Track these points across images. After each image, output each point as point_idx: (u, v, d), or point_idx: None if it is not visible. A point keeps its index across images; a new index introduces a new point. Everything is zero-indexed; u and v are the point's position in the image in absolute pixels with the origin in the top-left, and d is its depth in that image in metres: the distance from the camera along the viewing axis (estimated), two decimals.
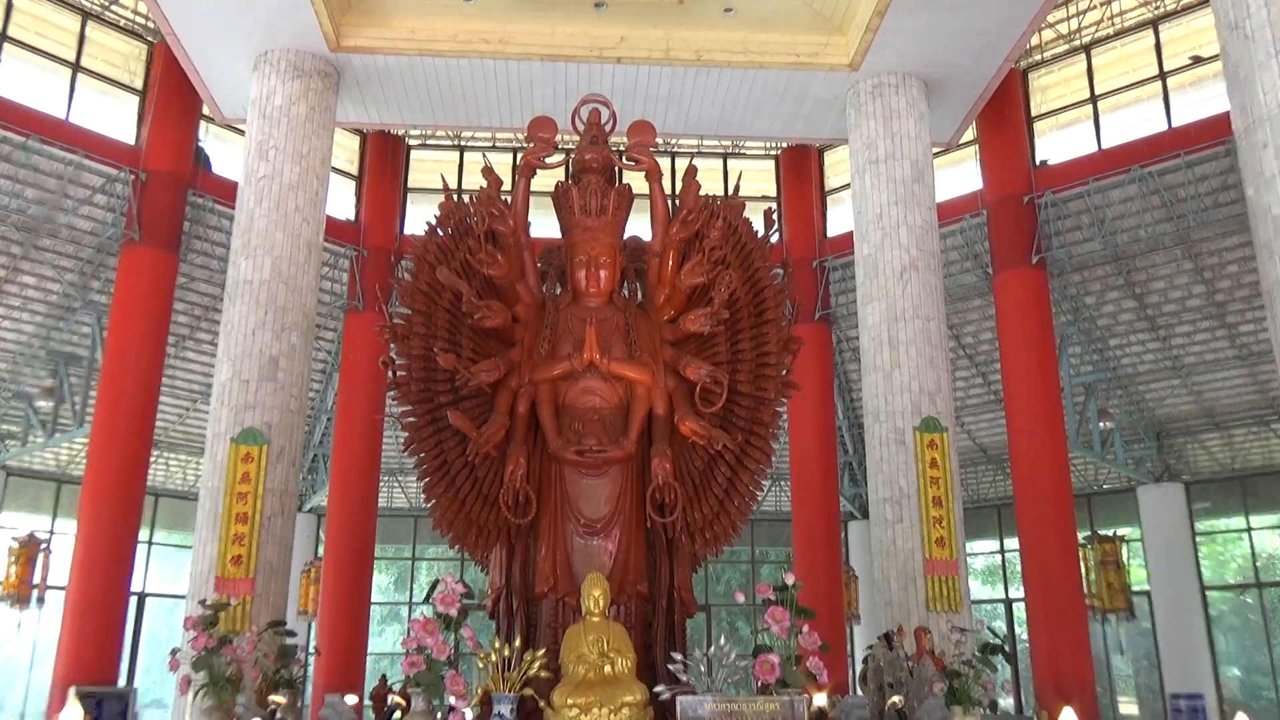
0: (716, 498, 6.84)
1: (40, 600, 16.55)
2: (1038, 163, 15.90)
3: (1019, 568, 16.11)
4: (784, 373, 7.18)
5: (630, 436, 6.79)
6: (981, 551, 23.72)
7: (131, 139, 15.01)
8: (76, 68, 14.83)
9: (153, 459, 16.88)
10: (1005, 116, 15.78)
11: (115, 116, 15.09)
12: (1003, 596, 23.01)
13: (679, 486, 6.61)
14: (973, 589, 21.46)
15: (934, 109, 13.16)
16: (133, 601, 17.54)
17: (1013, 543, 20.23)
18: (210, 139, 16.31)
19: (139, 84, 15.38)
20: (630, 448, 6.75)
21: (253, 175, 11.93)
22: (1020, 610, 20.71)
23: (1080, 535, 16.09)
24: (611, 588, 6.30)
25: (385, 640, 24.86)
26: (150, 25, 15.19)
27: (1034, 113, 16.29)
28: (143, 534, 17.23)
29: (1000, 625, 21.85)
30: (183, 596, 11.49)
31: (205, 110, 15.11)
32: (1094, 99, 15.91)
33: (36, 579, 16.53)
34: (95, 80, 15.00)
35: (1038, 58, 16.34)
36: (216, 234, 15.95)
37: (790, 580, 5.98)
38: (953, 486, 11.25)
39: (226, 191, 14.77)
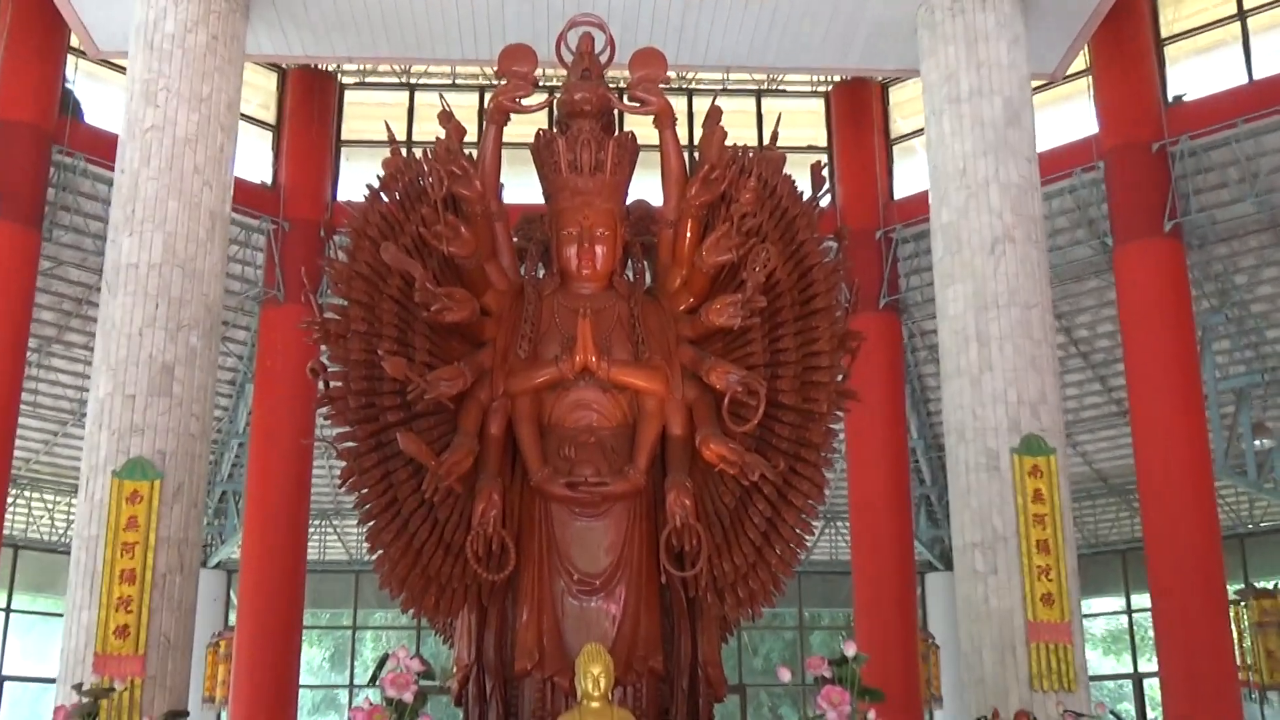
0: (752, 543, 6.82)
1: None
2: (1170, 99, 15.89)
3: (1151, 632, 16.09)
4: (839, 379, 7.16)
5: (638, 465, 6.77)
6: (1102, 612, 23.73)
7: None
8: None
9: (11, 500, 16.95)
10: (1127, 39, 15.77)
11: None
12: (1130, 670, 23.01)
13: (703, 530, 6.59)
14: (1091, 661, 21.42)
15: (1033, 30, 13.16)
16: None
17: (1142, 600, 20.22)
18: (81, 79, 16.37)
19: None
20: (639, 479, 6.73)
21: (137, 126, 11.96)
22: (1153, 688, 20.67)
23: (1231, 589, 16.07)
24: (616, 664, 6.28)
25: None
26: None
27: (1164, 34, 16.28)
28: None
29: (1128, 708, 21.82)
30: (52, 680, 11.50)
31: (74, 41, 15.15)
32: (1243, 14, 15.89)
33: None
34: None
35: None
36: (90, 204, 16.01)
37: (851, 651, 5.96)
38: (1063, 526, 11.23)
39: (103, 148, 14.82)
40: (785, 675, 6.30)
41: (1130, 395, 15.45)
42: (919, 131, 15.87)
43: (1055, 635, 10.86)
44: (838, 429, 7.32)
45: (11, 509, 18.13)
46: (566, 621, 6.66)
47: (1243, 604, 16.86)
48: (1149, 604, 15.22)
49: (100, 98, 16.40)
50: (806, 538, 7.07)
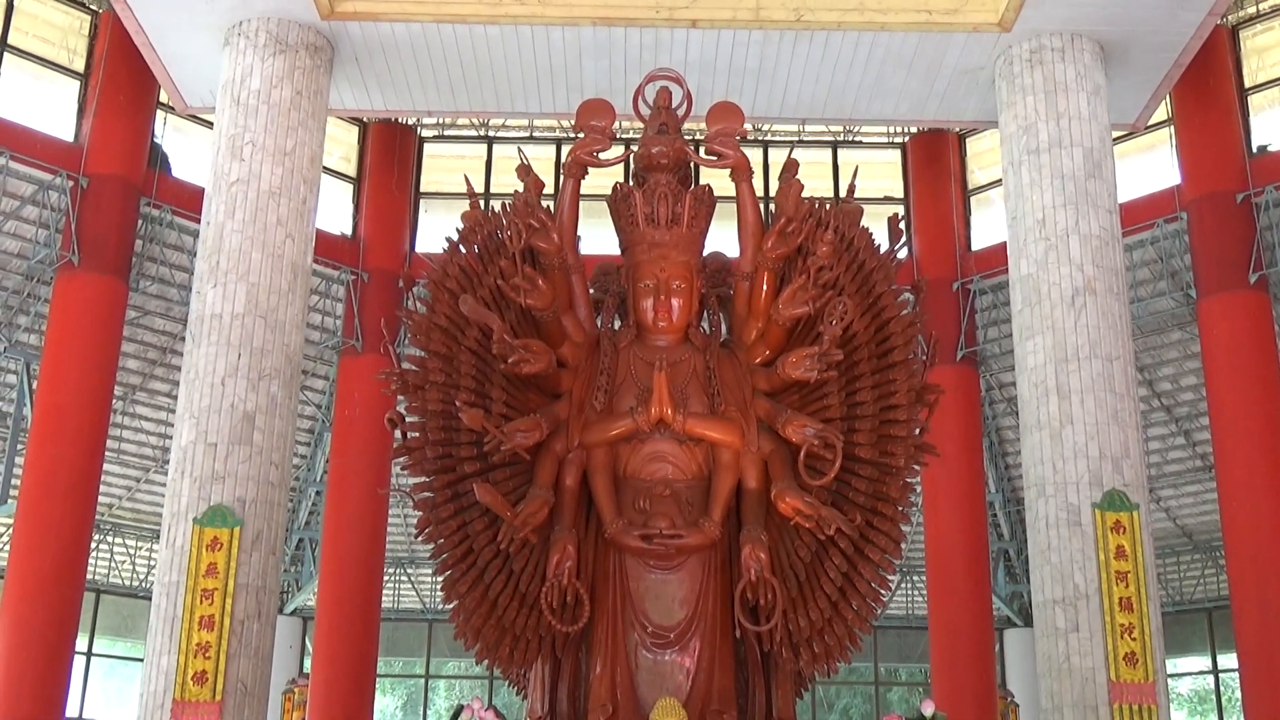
0: (828, 598, 6.77)
1: None
2: (1255, 149, 15.70)
3: (1238, 694, 15.73)
4: (917, 432, 7.11)
5: (713, 517, 6.75)
6: (1188, 671, 23.23)
7: (70, 135, 15.47)
8: (1, 45, 15.34)
9: (94, 545, 17.22)
10: (1210, 89, 15.62)
11: (50, 107, 15.57)
12: None
13: (778, 583, 6.55)
14: None
15: (1113, 81, 13.08)
16: None
17: (1230, 660, 19.77)
18: (170, 133, 16.74)
19: (80, 65, 15.86)
20: (713, 532, 6.72)
21: (223, 179, 12.20)
22: None
23: None
24: (690, 718, 6.26)
25: None
26: None
27: (1248, 83, 16.11)
28: (80, 642, 17.53)
29: None
30: None
31: (164, 97, 15.52)
32: None
33: None
34: (25, 61, 15.52)
35: (1252, 10, 16.19)
36: (176, 255, 16.32)
37: (929, 710, 5.89)
38: (1147, 583, 11.06)
39: (190, 200, 15.13)
40: None
41: (1215, 449, 15.19)
42: (997, 182, 15.78)
43: (1139, 696, 10.68)
44: (915, 483, 7.26)
45: (94, 554, 18.41)
46: (640, 674, 6.64)
47: None
48: (1236, 664, 14.89)
49: (187, 152, 16.75)
50: (883, 592, 7.00)
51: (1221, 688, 22.29)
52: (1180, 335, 17.25)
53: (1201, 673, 23.14)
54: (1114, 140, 13.22)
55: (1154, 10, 12.53)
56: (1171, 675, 19.94)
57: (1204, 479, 18.93)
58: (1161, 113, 15.90)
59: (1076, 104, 12.55)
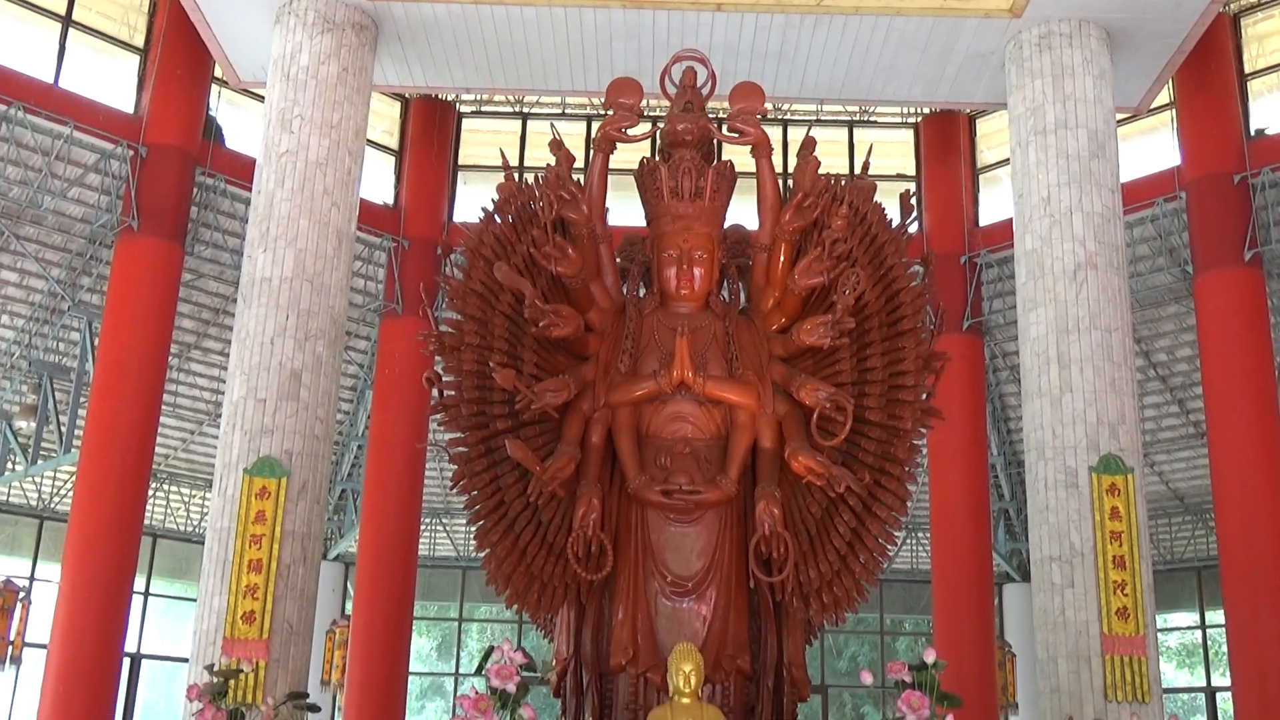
0: (837, 552, 6.77)
1: (16, 660, 17.04)
2: (1253, 132, 15.55)
3: (1224, 648, 15.71)
4: (924, 397, 7.10)
5: (730, 474, 6.77)
6: (1177, 626, 23.21)
7: (130, 107, 15.50)
8: (67, 21, 15.38)
9: (151, 493, 17.37)
10: (1210, 74, 15.47)
11: (111, 80, 15.61)
12: (1203, 684, 22.46)
13: (790, 537, 6.56)
14: (1165, 674, 20.95)
15: (1118, 65, 12.96)
16: (126, 664, 18.05)
17: (1217, 615, 19.77)
18: (223, 107, 16.77)
19: (140, 41, 15.88)
20: (730, 488, 6.73)
21: (273, 150, 12.23)
22: (1226, 702, 20.12)
23: None
24: (705, 662, 6.28)
25: (426, 718, 25.16)
26: None
27: (1248, 69, 15.93)
28: (139, 583, 17.73)
29: None
30: (185, 659, 11.78)
31: (218, 72, 15.55)
32: None
33: (12, 634, 17.03)
34: (88, 36, 15.54)
35: None
36: (229, 221, 16.38)
37: (930, 658, 5.90)
38: (1140, 543, 11.04)
39: (242, 170, 15.16)
40: (867, 678, 6.26)
41: (1208, 418, 15.11)
42: (1005, 161, 15.69)
43: (1130, 648, 10.68)
44: (921, 445, 7.26)
45: (151, 501, 18.57)
46: (660, 621, 6.68)
47: None
48: (1223, 620, 14.88)
49: (240, 124, 16.77)
50: (889, 547, 7.01)
51: (1209, 642, 22.27)
52: (1177, 309, 17.15)
53: (1190, 628, 23.11)
54: (1117, 122, 13.11)
55: None
56: (1161, 630, 19.91)
57: (1196, 445, 18.85)
58: (1164, 96, 15.75)
59: (1082, 87, 12.46)
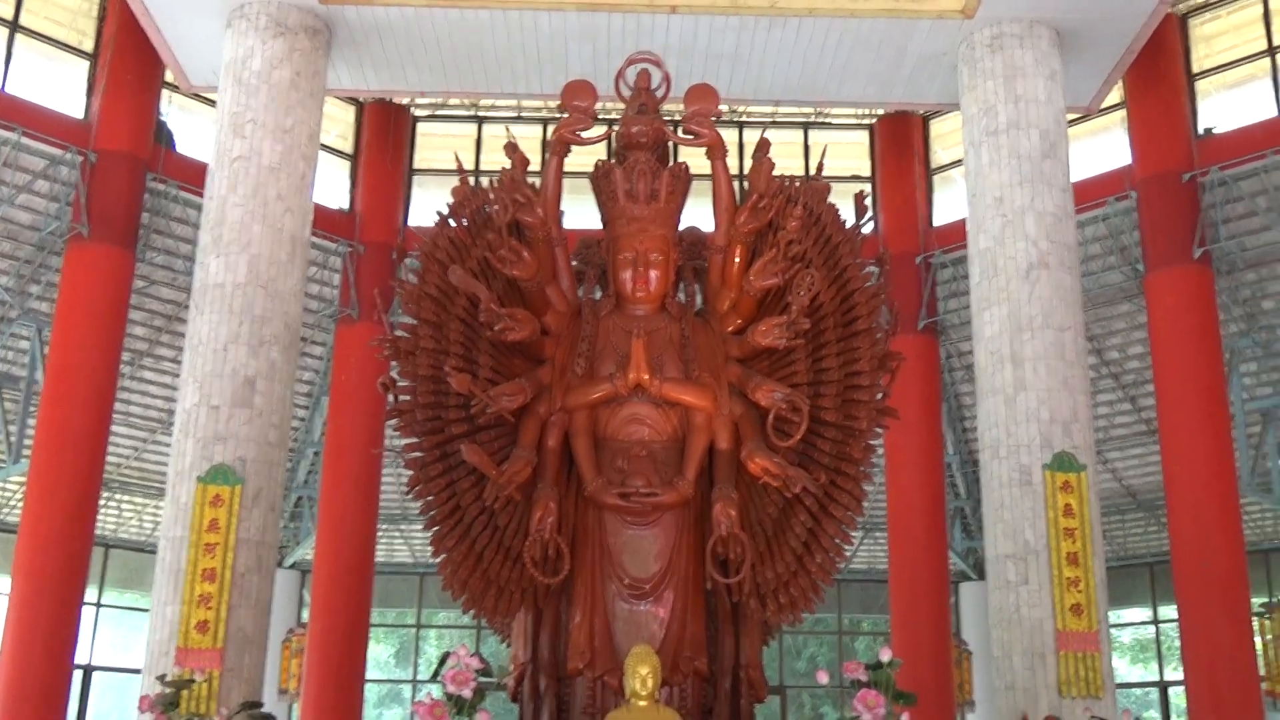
0: (794, 553, 6.81)
1: None
2: (1201, 132, 15.71)
3: (1177, 643, 15.87)
4: (879, 397, 7.14)
5: (687, 476, 6.78)
6: (1130, 622, 23.40)
7: (80, 112, 15.32)
8: (14, 26, 15.17)
9: (103, 502, 17.16)
10: (1159, 74, 15.62)
11: (61, 85, 15.41)
12: (1156, 679, 22.66)
13: (747, 539, 6.58)
14: (1118, 669, 21.15)
15: (1069, 65, 13.08)
16: (77, 676, 17.82)
17: (1169, 611, 19.94)
18: (174, 112, 16.61)
19: (89, 46, 15.69)
20: (687, 490, 6.75)
21: (225, 155, 12.13)
22: (1179, 696, 20.33)
23: (1256, 602, 15.80)
24: (663, 664, 6.28)
25: None
26: None
27: (1196, 69, 16.10)
28: (90, 593, 17.51)
29: (1153, 715, 21.51)
30: (137, 670, 11.63)
31: (169, 77, 15.40)
32: (1272, 50, 15.68)
33: None
34: (36, 41, 15.34)
35: None
36: (181, 227, 16.22)
37: (886, 656, 5.92)
38: (1093, 540, 11.13)
39: (194, 175, 15.02)
40: (824, 678, 6.26)
41: (1159, 415, 15.26)
42: (958, 162, 15.78)
43: (1083, 644, 10.76)
44: (877, 445, 7.29)
45: (103, 510, 18.36)
46: (617, 624, 6.68)
47: (1267, 617, 16.60)
48: (1175, 615, 15.01)
49: (192, 129, 16.61)
50: (845, 547, 7.04)
51: (1161, 637, 22.48)
52: (1128, 307, 17.30)
53: (1143, 623, 23.31)
54: (1069, 122, 13.23)
55: None
56: (1114, 625, 20.10)
57: (1148, 442, 19.02)
58: (1114, 96, 15.90)
59: (1034, 88, 12.55)
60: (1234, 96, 15.92)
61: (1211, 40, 16.24)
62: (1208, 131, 15.71)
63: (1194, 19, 16.27)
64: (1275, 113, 15.37)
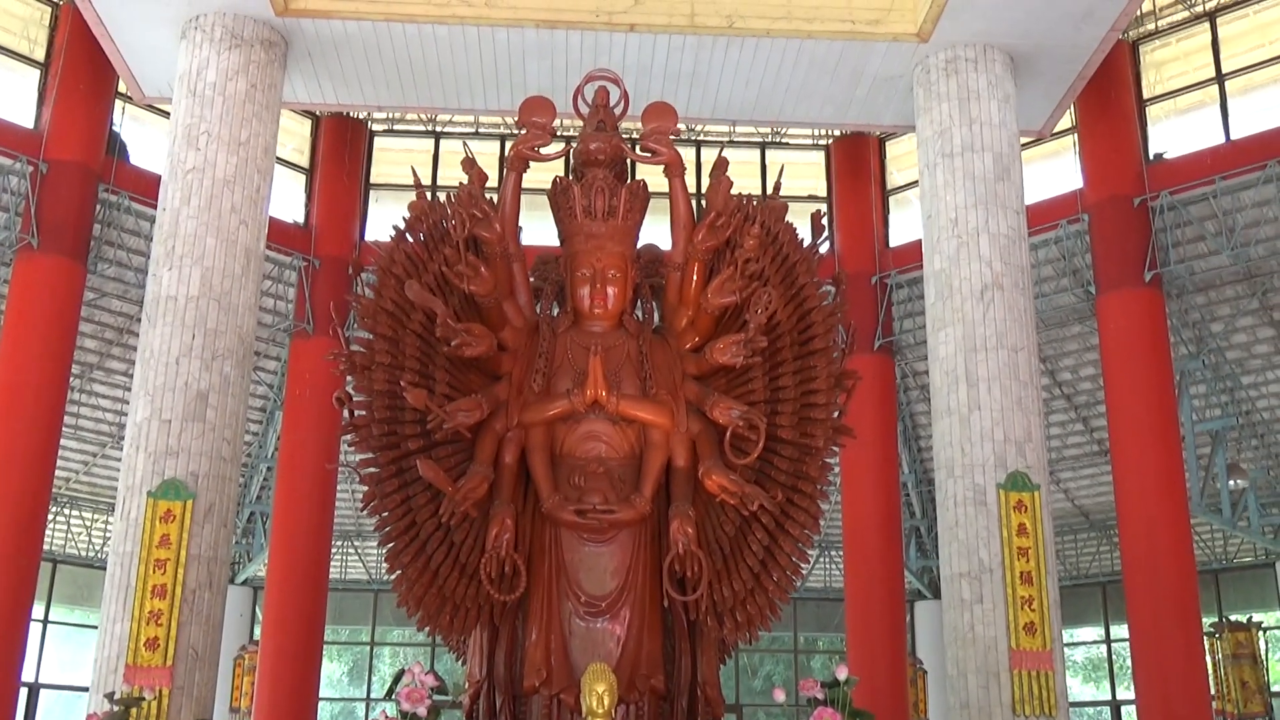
0: (751, 570, 6.80)
1: None
2: (1151, 157, 15.93)
3: (1129, 662, 15.99)
4: (836, 415, 7.16)
5: (644, 494, 6.76)
6: (1082, 641, 23.60)
7: (30, 121, 15.19)
8: None
9: (51, 517, 16.95)
10: (1111, 99, 15.83)
11: (10, 94, 15.28)
12: (1109, 698, 22.85)
13: (704, 556, 6.57)
14: (1072, 688, 21.30)
15: (1022, 90, 13.21)
16: (23, 694, 17.55)
17: (1121, 630, 20.13)
18: (127, 122, 16.48)
19: (40, 54, 15.58)
20: (644, 507, 6.72)
21: (179, 167, 12.03)
22: (1130, 715, 20.51)
23: (1206, 621, 15.98)
24: (619, 682, 6.26)
25: None
26: None
27: (1146, 95, 16.35)
28: (37, 610, 17.26)
29: None
30: (85, 688, 11.48)
31: (122, 87, 15.27)
32: (1221, 78, 15.95)
33: None
34: None
35: (1151, 27, 16.41)
36: (133, 239, 16.09)
37: (843, 674, 5.93)
38: (1046, 559, 11.19)
39: (146, 187, 14.92)
40: (780, 696, 6.27)
41: (1111, 436, 15.42)
42: (914, 183, 15.92)
43: (1037, 663, 10.80)
44: (833, 463, 7.31)
45: (51, 525, 18.13)
46: (573, 641, 6.64)
47: (1218, 637, 16.78)
48: (1127, 634, 15.13)
49: (144, 140, 16.50)
50: (802, 566, 7.03)
51: (1114, 656, 22.68)
52: (1080, 329, 17.50)
53: (1096, 642, 23.53)
54: (1022, 146, 13.35)
55: (1061, 25, 12.66)
56: (1068, 644, 20.26)
57: (1100, 463, 19.22)
58: (1066, 121, 16.09)
59: (988, 111, 12.65)
60: (1184, 122, 16.17)
61: (1162, 67, 16.49)
62: (1158, 156, 15.93)
63: (1145, 46, 16.51)
64: (1224, 138, 15.62)
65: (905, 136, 17.34)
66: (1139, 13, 15.38)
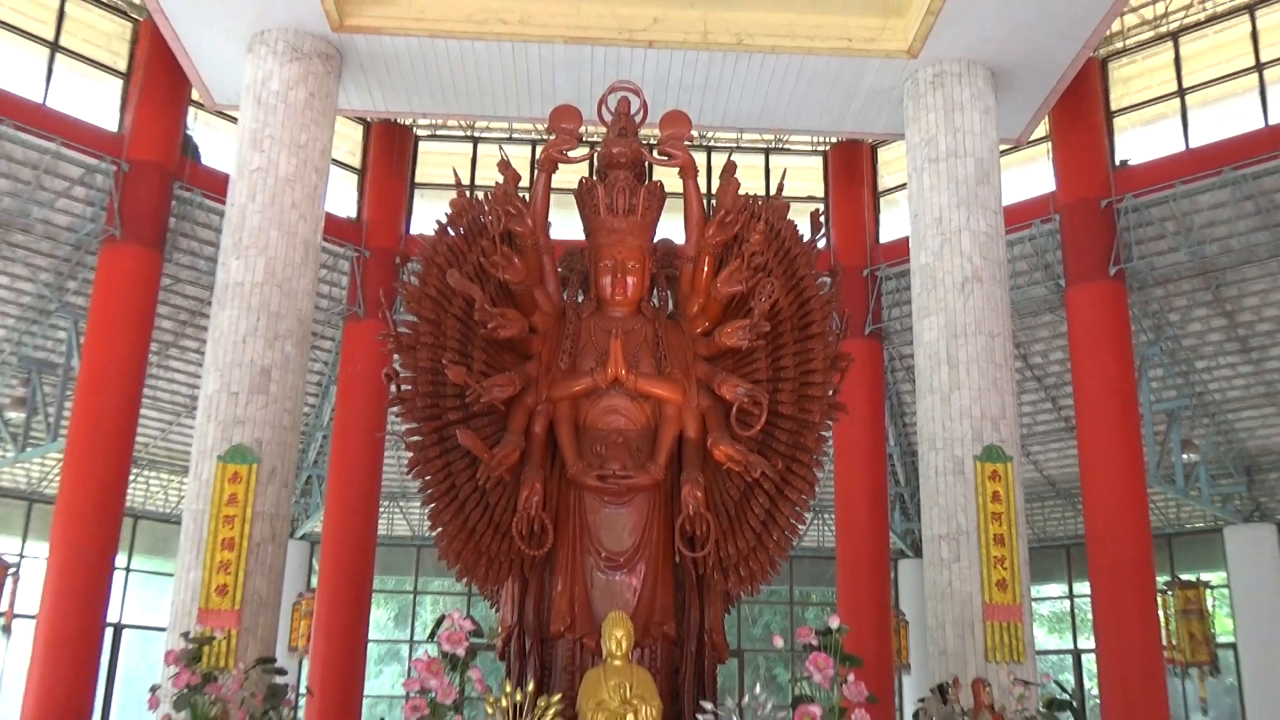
0: (753, 530, 6.83)
1: (7, 630, 16.71)
2: (1117, 163, 15.82)
3: (1090, 615, 15.98)
4: (830, 393, 7.16)
5: (658, 461, 6.79)
6: (1048, 596, 23.57)
7: (114, 126, 15.20)
8: (55, 47, 15.04)
9: (132, 478, 17.04)
10: (1081, 111, 15.73)
11: (96, 101, 15.29)
12: (1071, 647, 22.83)
13: (711, 517, 6.61)
14: (1038, 638, 21.29)
15: (1001, 102, 13.13)
16: (109, 633, 17.71)
17: (1083, 587, 20.09)
18: (199, 127, 16.50)
19: (123, 66, 15.57)
20: (658, 473, 6.76)
21: (245, 167, 12.04)
22: (1091, 662, 20.52)
23: (1160, 580, 15.96)
24: (635, 628, 6.30)
25: (384, 681, 24.93)
26: (136, 1, 15.39)
27: (1114, 107, 16.22)
28: (120, 559, 17.39)
29: (1068, 679, 21.66)
30: (163, 629, 11.56)
31: (195, 95, 15.28)
32: (1182, 92, 15.82)
33: (3, 607, 16.68)
34: (75, 61, 15.21)
35: (1119, 45, 16.27)
36: (205, 231, 16.12)
37: (835, 624, 5.95)
38: (1017, 523, 11.17)
39: (216, 185, 14.94)
40: (779, 642, 6.28)
41: (1077, 413, 15.36)
42: (902, 186, 15.84)
43: (1008, 615, 10.79)
44: (827, 436, 7.32)
45: (133, 485, 18.24)
46: (595, 592, 6.69)
47: (1169, 594, 16.77)
48: (1089, 591, 15.12)
49: (215, 143, 16.52)
50: (799, 526, 7.07)
51: (1076, 610, 22.65)
52: (1051, 318, 17.41)
53: (1060, 597, 23.48)
54: (1000, 152, 13.27)
55: (1038, 43, 12.56)
56: (1035, 599, 20.26)
57: (1066, 438, 19.16)
58: (1041, 130, 15.99)
59: (970, 121, 12.57)
60: (1147, 132, 16.04)
61: (1128, 82, 16.36)
62: (1123, 163, 15.82)
63: (1113, 63, 16.39)
64: (1184, 147, 15.51)
65: (895, 143, 17.25)
66: (1109, 32, 15.23)
